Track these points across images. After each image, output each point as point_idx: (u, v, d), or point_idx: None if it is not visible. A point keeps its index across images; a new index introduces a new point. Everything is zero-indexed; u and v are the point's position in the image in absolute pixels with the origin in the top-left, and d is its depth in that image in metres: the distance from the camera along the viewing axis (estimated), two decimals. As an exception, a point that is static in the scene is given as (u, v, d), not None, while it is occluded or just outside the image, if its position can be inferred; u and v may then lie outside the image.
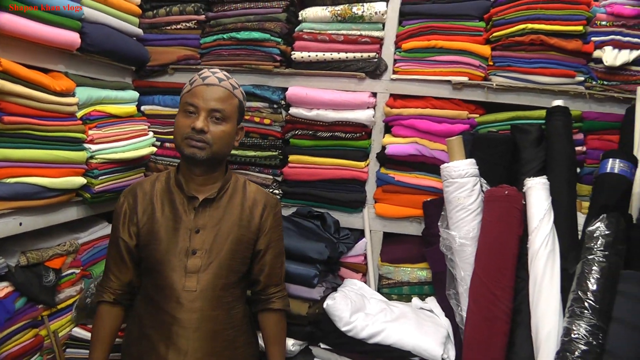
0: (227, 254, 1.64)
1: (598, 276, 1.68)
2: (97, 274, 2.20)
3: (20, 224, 1.80)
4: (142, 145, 2.35)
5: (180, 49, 2.50)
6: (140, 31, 2.41)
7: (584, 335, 1.59)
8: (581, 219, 1.97)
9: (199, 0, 2.48)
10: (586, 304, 1.64)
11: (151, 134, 2.45)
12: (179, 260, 1.60)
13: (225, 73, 1.70)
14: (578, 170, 2.21)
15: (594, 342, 1.57)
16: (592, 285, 1.67)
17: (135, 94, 2.40)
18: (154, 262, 1.62)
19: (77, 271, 2.11)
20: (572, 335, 1.61)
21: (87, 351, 1.96)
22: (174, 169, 1.74)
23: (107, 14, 2.15)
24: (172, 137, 2.45)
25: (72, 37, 1.93)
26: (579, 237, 1.91)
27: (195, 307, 1.58)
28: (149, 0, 2.51)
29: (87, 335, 2.04)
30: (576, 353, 1.57)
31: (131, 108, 2.35)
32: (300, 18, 2.37)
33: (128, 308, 1.73)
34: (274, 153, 2.42)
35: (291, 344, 2.01)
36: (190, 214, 1.64)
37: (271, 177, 2.45)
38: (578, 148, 2.21)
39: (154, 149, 2.44)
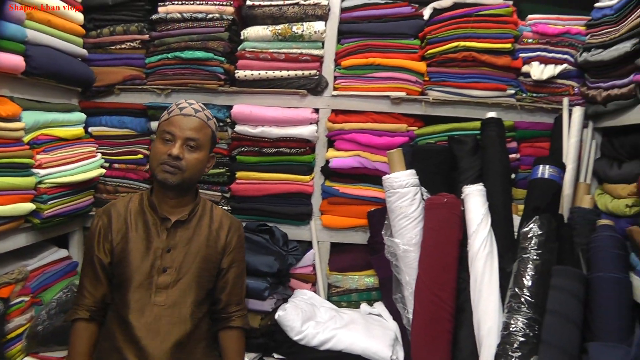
0: (195, 272, 1.73)
1: (532, 273, 1.82)
2: (47, 300, 2.16)
3: (-32, 253, 1.77)
4: (91, 167, 2.35)
5: (126, 69, 2.50)
6: (84, 51, 2.39)
7: (522, 327, 1.72)
8: (517, 220, 2.11)
9: (143, 19, 2.49)
10: (522, 299, 1.78)
11: (99, 155, 2.44)
12: (150, 276, 1.68)
13: (201, 105, 1.78)
14: (513, 175, 2.35)
15: (531, 334, 1.71)
16: (527, 281, 1.81)
17: (82, 116, 2.40)
18: (126, 279, 1.69)
19: (27, 299, 2.05)
20: (511, 329, 1.74)
21: None
22: (147, 192, 1.81)
23: (51, 36, 2.11)
24: (120, 157, 2.52)
25: (16, 61, 1.90)
26: (515, 238, 2.05)
27: (164, 322, 1.66)
28: (92, 20, 2.48)
29: None
30: (515, 345, 1.70)
31: (79, 130, 2.34)
32: (242, 37, 2.41)
33: (101, 325, 1.77)
34: (221, 170, 2.46)
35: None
36: (162, 234, 1.72)
37: (219, 193, 2.49)
38: (512, 155, 2.35)
39: (103, 171, 2.44)
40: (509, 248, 2.01)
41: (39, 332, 2.04)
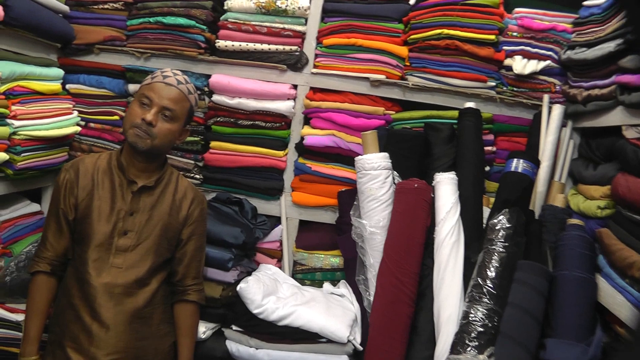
0: (155, 238, 1.75)
1: (497, 265, 1.82)
2: (18, 252, 2.19)
3: (-61, 196, 1.79)
4: (66, 124, 2.34)
5: (107, 29, 2.48)
6: (66, 8, 2.38)
7: (481, 318, 1.73)
8: (487, 213, 2.11)
9: (127, -19, 2.46)
10: (484, 289, 1.79)
11: (76, 113, 2.44)
12: (111, 237, 1.70)
13: (186, 77, 1.78)
14: (487, 168, 2.36)
15: (490, 324, 1.72)
16: (491, 272, 1.81)
17: (60, 72, 2.38)
18: (86, 237, 1.71)
19: None
20: (470, 318, 1.75)
21: (6, 330, 2.00)
22: (117, 152, 1.81)
23: (33, -12, 2.09)
24: (96, 117, 2.51)
25: None
26: (484, 229, 2.05)
27: (119, 283, 1.68)
28: (76, -23, 2.46)
29: (5, 314, 2.02)
30: (472, 334, 1.72)
31: (56, 86, 2.33)
32: (225, 7, 2.39)
33: (60, 280, 1.79)
34: (196, 138, 2.46)
35: (202, 330, 2.05)
36: (127, 196, 1.74)
37: (192, 162, 2.49)
38: (488, 148, 2.35)
39: (78, 129, 2.43)
40: (476, 238, 2.02)
41: (7, 283, 2.07)
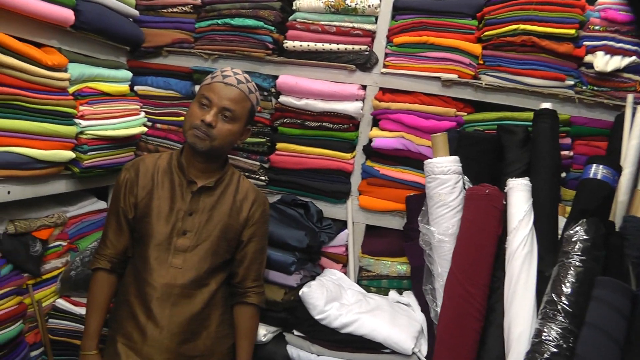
0: (214, 239, 1.72)
1: (573, 280, 1.68)
2: (83, 247, 2.24)
3: (9, 192, 1.84)
4: (133, 124, 2.38)
5: (175, 32, 2.52)
6: (136, 12, 2.43)
7: (555, 337, 1.59)
8: (563, 222, 1.97)
9: (197, -15, 2.50)
10: (559, 307, 1.64)
11: (143, 114, 2.47)
12: (170, 237, 1.69)
13: (246, 76, 1.77)
14: (564, 174, 2.21)
15: (564, 345, 1.57)
16: (566, 288, 1.67)
17: (128, 74, 2.43)
18: (145, 236, 1.70)
19: (64, 244, 2.16)
20: (543, 337, 1.61)
21: (69, 323, 2.09)
22: (177, 152, 1.81)
23: (103, -7, 2.16)
24: (163, 118, 2.55)
25: (66, 14, 1.95)
26: (559, 240, 1.91)
27: (178, 283, 1.67)
28: (146, -18, 2.53)
29: (70, 307, 2.11)
30: (545, 355, 1.57)
31: (124, 87, 2.37)
32: (294, 7, 2.38)
33: (120, 277, 1.80)
34: (262, 140, 2.43)
35: (263, 333, 2.02)
36: (186, 196, 1.72)
37: (258, 163, 2.47)
38: (565, 152, 2.21)
39: (145, 129, 2.47)
40: (550, 250, 1.88)
41: (72, 277, 2.12)
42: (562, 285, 1.68)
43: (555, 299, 1.67)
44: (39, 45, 1.92)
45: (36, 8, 1.82)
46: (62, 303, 2.13)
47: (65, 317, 2.11)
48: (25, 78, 1.79)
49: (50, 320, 2.12)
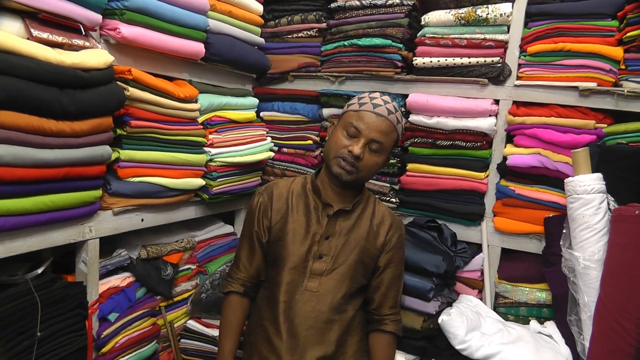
0: (351, 264, 1.66)
1: None
2: (212, 271, 2.30)
3: (142, 219, 1.93)
4: (260, 149, 2.42)
5: (301, 56, 2.54)
6: (262, 40, 2.48)
7: None
8: None
9: (321, 8, 2.52)
10: None
11: (269, 139, 2.51)
12: (306, 261, 1.65)
13: (395, 105, 1.69)
14: None
15: None
16: None
17: (254, 101, 2.47)
18: (280, 259, 1.67)
19: (193, 267, 2.24)
20: None
21: (200, 343, 2.17)
22: (311, 175, 1.78)
23: (231, 25, 2.25)
24: (289, 142, 2.57)
25: (197, 48, 2.04)
26: None
27: (313, 308, 1.61)
28: (271, 11, 2.58)
29: (200, 328, 2.18)
30: None
31: (250, 114, 2.42)
32: (422, 23, 2.30)
33: (253, 301, 1.78)
34: (392, 161, 2.36)
35: None
36: (323, 219, 1.68)
37: (388, 185, 2.39)
38: None
39: (272, 154, 2.50)
40: None
41: (202, 300, 2.17)
42: None
43: None
44: (170, 79, 2.01)
45: (171, 45, 1.92)
46: (193, 324, 2.20)
47: (196, 337, 2.19)
48: (159, 111, 1.88)
49: (182, 340, 2.20)
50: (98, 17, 1.63)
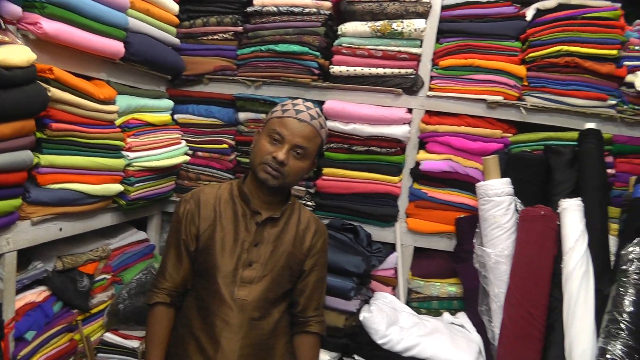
0: (280, 269, 1.68)
1: (634, 298, 1.71)
2: (127, 280, 2.21)
3: (61, 229, 1.82)
4: (175, 153, 2.36)
5: (217, 59, 2.50)
6: (177, 41, 2.42)
7: (620, 355, 1.62)
8: (611, 241, 2.00)
9: (237, 11, 2.50)
10: (622, 325, 1.67)
11: (184, 142, 2.46)
12: (235, 269, 1.64)
13: (317, 110, 1.70)
14: (608, 193, 2.22)
15: None
16: (627, 307, 1.70)
17: (170, 103, 2.41)
18: (209, 268, 1.65)
19: (108, 277, 2.14)
20: (608, 356, 1.64)
21: (119, 356, 2.07)
22: (238, 182, 1.76)
23: (149, 24, 2.16)
24: (204, 146, 2.52)
25: (117, 47, 1.95)
26: (611, 259, 1.95)
27: (245, 315, 1.62)
28: (186, 11, 2.51)
29: (119, 340, 2.10)
30: None
31: (166, 117, 2.36)
32: (339, 32, 2.38)
33: (178, 309, 1.75)
34: (308, 165, 2.42)
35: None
36: (251, 227, 1.68)
37: (304, 188, 2.44)
38: (608, 171, 2.20)
39: (187, 158, 2.46)
40: (605, 269, 1.90)
41: (120, 310, 2.10)
42: (623, 303, 1.71)
43: (617, 317, 1.70)
44: (88, 79, 1.90)
45: (92, 43, 1.82)
46: (110, 337, 2.11)
47: (114, 350, 2.10)
48: (79, 113, 1.78)
49: (99, 354, 2.09)
50: (18, 10, 1.49)
